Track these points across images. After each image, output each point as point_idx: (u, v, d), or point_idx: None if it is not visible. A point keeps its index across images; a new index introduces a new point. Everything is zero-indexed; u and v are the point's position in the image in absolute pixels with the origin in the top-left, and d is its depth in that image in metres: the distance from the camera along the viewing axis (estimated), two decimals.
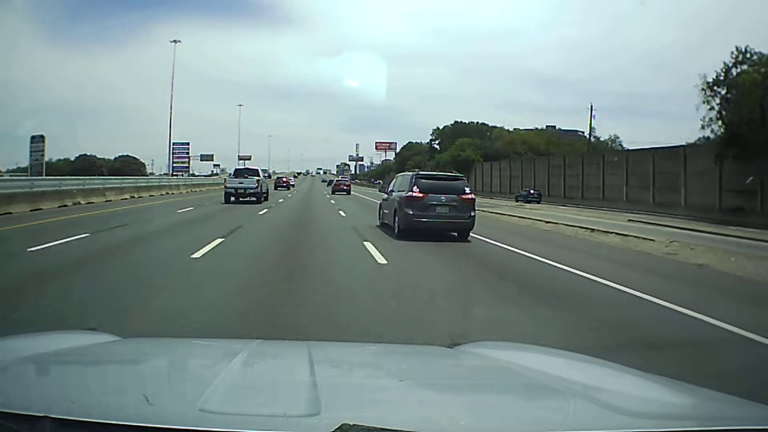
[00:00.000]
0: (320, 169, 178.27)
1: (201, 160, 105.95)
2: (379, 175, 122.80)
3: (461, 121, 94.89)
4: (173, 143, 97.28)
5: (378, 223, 15.94)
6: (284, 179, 60.35)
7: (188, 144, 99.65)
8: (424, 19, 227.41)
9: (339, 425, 1.09)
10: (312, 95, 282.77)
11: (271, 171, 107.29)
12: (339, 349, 2.47)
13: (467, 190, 13.20)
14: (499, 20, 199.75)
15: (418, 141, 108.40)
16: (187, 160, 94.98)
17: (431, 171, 19.95)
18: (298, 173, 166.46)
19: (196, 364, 1.92)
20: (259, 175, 28.07)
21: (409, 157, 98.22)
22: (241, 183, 27.16)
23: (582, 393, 1.52)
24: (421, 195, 12.65)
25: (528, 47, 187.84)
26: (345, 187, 49.61)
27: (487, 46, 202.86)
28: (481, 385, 1.74)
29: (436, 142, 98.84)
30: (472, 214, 12.92)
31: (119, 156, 75.23)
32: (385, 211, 15.09)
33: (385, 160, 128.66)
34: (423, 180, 13.20)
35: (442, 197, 12.72)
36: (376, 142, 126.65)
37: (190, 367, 1.89)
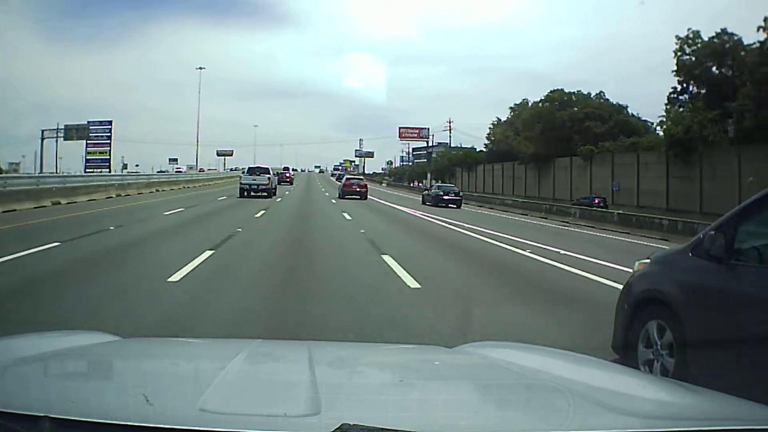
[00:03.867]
0: (318, 166, 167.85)
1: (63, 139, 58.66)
2: (424, 174, 76.23)
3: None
4: (89, 122, 58.86)
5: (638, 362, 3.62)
6: (287, 175, 62.55)
7: (110, 123, 60.94)
8: (424, 19, 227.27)
9: (339, 425, 1.09)
10: (308, 94, 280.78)
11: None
12: (339, 349, 2.47)
13: None
14: (500, 20, 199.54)
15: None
16: (108, 149, 60.52)
17: None
18: (294, 170, 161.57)
19: (196, 364, 1.92)
20: (269, 173, 31.22)
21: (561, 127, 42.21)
22: (254, 180, 29.98)
23: (582, 393, 1.52)
24: None
25: (529, 47, 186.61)
26: (359, 189, 34.24)
27: (488, 46, 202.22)
28: (481, 385, 1.74)
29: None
30: None
31: None
32: None
33: (431, 149, 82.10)
34: None
35: None
36: (400, 128, 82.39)
37: (190, 367, 1.89)
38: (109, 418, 1.12)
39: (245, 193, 29.36)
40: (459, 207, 30.57)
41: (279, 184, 41.46)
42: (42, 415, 1.11)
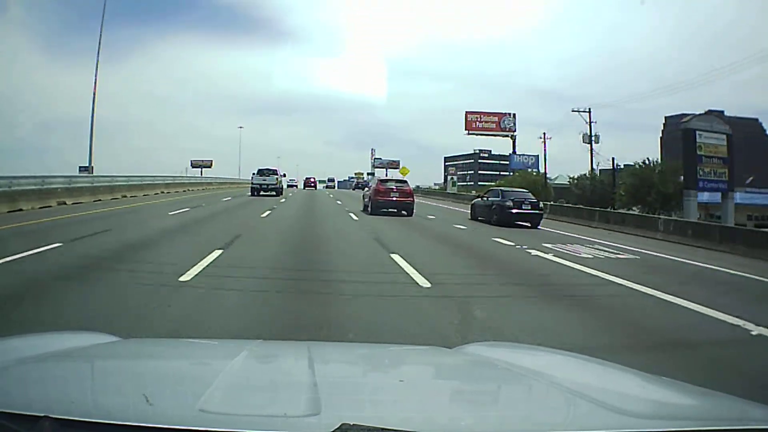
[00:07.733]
0: (322, 181, 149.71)
1: None
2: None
3: None
4: None
5: None
6: (312, 180, 71.78)
7: None
8: (426, 34, 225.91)
9: (339, 425, 1.09)
10: (309, 109, 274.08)
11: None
12: (339, 349, 2.47)
13: None
14: (501, 35, 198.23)
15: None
16: None
17: None
18: (292, 179, 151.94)
19: (196, 364, 1.91)
20: (277, 174, 36.20)
21: None
22: (264, 180, 34.37)
23: (582, 393, 1.52)
24: None
25: (534, 63, 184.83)
26: (400, 199, 20.99)
27: (491, 61, 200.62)
28: (481, 385, 1.74)
29: None
30: None
31: None
32: None
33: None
34: None
35: None
36: (466, 113, 54.08)
37: (190, 367, 1.89)
38: (109, 418, 1.12)
39: (256, 192, 32.96)
40: (536, 226, 18.52)
41: (304, 188, 56.49)
42: (42, 415, 1.11)
